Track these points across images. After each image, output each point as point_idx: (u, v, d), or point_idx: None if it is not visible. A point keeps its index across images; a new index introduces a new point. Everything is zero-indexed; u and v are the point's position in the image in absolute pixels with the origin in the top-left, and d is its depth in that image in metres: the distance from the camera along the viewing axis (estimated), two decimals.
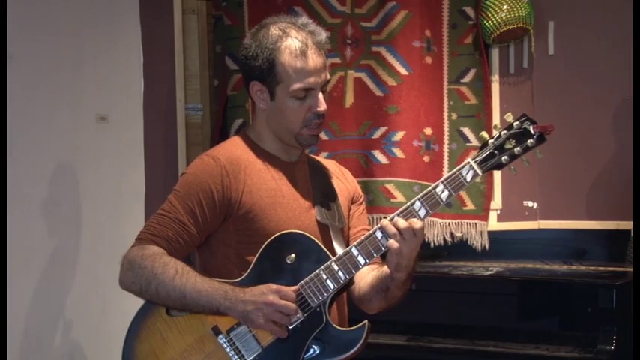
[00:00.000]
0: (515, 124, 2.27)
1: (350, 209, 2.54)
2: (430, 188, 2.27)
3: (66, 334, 3.44)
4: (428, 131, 3.74)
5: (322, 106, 2.37)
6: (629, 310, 3.00)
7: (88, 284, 3.49)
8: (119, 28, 3.73)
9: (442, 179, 2.27)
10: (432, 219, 3.68)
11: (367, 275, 2.42)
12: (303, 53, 2.34)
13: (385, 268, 2.33)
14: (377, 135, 3.74)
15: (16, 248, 3.14)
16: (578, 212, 3.75)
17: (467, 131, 3.78)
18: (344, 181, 2.56)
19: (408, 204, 2.27)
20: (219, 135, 3.90)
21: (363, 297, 2.42)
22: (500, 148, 2.26)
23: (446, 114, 3.79)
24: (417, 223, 2.23)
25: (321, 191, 2.46)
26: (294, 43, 2.35)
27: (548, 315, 3.33)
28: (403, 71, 3.72)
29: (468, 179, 2.26)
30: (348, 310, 2.48)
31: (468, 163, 2.26)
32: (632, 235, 3.53)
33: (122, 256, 2.36)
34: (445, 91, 3.79)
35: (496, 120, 3.78)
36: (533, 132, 2.25)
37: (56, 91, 3.42)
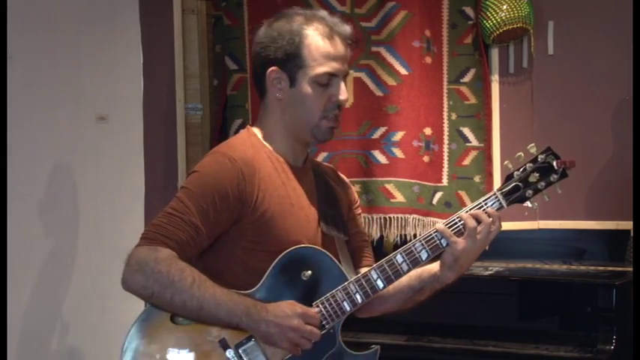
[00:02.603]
0: (540, 157, 2.27)
1: (348, 217, 2.48)
2: (454, 216, 2.26)
3: (65, 334, 3.44)
4: (427, 131, 3.73)
5: (344, 94, 2.30)
6: (629, 310, 2.99)
7: (87, 284, 3.49)
8: (119, 28, 3.73)
9: (466, 208, 2.26)
10: (432, 219, 3.68)
11: None
12: (331, 37, 2.28)
13: (428, 269, 2.30)
14: (377, 135, 3.74)
15: (15, 248, 3.14)
16: (577, 212, 3.75)
17: (466, 131, 3.78)
18: (343, 189, 2.50)
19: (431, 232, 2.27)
20: (219, 135, 3.90)
21: (376, 296, 2.32)
22: (524, 182, 2.27)
23: (445, 114, 3.79)
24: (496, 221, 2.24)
25: (325, 200, 2.39)
26: (322, 26, 2.29)
27: (548, 315, 3.33)
28: (403, 71, 3.72)
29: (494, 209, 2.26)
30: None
31: (494, 194, 2.26)
32: (632, 235, 3.53)
33: (127, 254, 2.20)
34: (445, 91, 3.79)
35: (496, 119, 3.78)
36: (557, 167, 2.26)
37: (56, 91, 3.42)
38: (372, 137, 3.74)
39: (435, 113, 3.76)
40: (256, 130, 2.37)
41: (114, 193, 3.67)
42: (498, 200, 2.25)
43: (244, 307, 2.17)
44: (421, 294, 2.32)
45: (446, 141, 3.78)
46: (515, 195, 2.26)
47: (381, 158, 3.73)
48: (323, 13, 2.34)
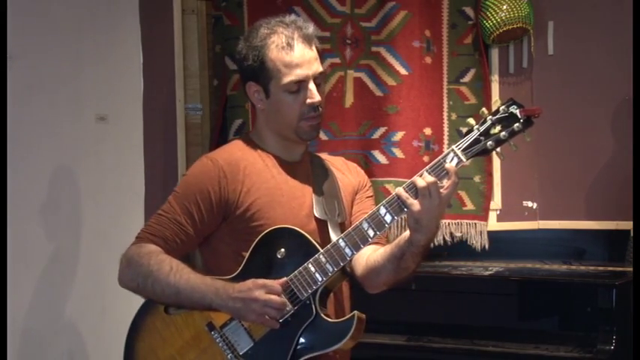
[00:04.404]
0: (501, 108, 2.23)
1: (353, 201, 2.55)
2: (415, 176, 2.25)
3: (66, 335, 3.44)
4: (427, 131, 3.74)
5: (315, 97, 2.40)
6: (629, 310, 3.00)
7: (87, 284, 3.49)
8: (119, 28, 3.73)
9: (426, 168, 2.24)
10: None
11: (377, 249, 2.41)
12: (290, 46, 2.39)
13: (404, 235, 2.32)
14: (377, 135, 3.74)
15: (15, 248, 3.14)
16: (577, 212, 3.75)
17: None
18: (348, 175, 2.57)
19: (393, 194, 2.27)
20: (219, 135, 3.90)
21: (371, 270, 2.39)
22: (485, 134, 2.22)
23: (445, 114, 3.79)
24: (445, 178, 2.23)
25: (322, 188, 2.48)
26: (281, 37, 2.39)
27: (548, 315, 3.33)
28: (403, 71, 3.72)
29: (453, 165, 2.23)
30: (354, 307, 2.46)
31: (452, 150, 2.24)
32: (631, 235, 3.53)
33: (121, 254, 2.42)
34: (445, 91, 3.79)
35: None
36: (519, 115, 2.21)
37: (56, 91, 3.42)
38: (372, 137, 3.74)
39: (434, 113, 3.77)
40: (252, 136, 2.53)
41: (114, 193, 3.67)
42: (457, 155, 2.23)
43: (214, 288, 2.32)
44: (405, 260, 2.33)
45: (446, 141, 3.78)
46: (474, 148, 2.23)
47: (381, 158, 3.73)
48: (288, 19, 2.44)
